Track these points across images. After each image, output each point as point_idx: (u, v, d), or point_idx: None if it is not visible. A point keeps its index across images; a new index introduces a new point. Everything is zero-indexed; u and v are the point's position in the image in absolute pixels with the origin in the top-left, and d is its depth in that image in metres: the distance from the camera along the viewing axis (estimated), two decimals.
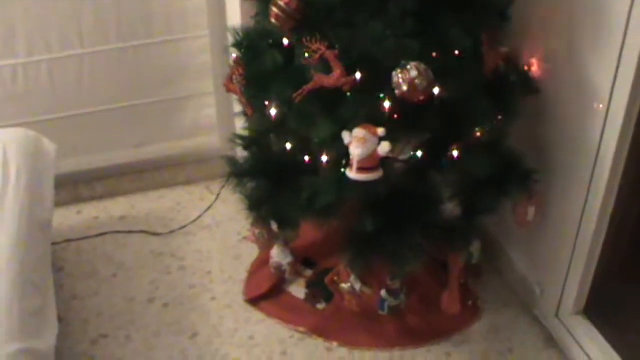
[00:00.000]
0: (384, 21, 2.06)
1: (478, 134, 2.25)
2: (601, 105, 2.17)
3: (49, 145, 2.65)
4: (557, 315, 2.59)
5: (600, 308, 2.51)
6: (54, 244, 2.78)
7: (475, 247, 2.63)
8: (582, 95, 2.25)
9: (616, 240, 2.37)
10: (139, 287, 2.84)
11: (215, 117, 3.31)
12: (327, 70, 2.07)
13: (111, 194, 3.28)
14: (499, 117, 2.31)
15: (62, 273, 2.89)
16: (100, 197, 3.28)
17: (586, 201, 2.33)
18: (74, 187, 3.25)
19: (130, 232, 3.09)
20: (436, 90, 2.10)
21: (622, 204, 2.29)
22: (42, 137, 2.66)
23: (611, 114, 2.16)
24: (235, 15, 2.80)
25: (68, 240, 3.03)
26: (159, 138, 3.32)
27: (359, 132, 2.06)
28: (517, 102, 2.33)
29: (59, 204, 2.89)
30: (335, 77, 2.05)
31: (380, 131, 2.05)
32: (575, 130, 2.31)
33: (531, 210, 2.46)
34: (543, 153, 2.47)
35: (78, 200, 3.25)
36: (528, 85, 2.39)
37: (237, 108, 2.56)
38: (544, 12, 2.37)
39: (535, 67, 2.40)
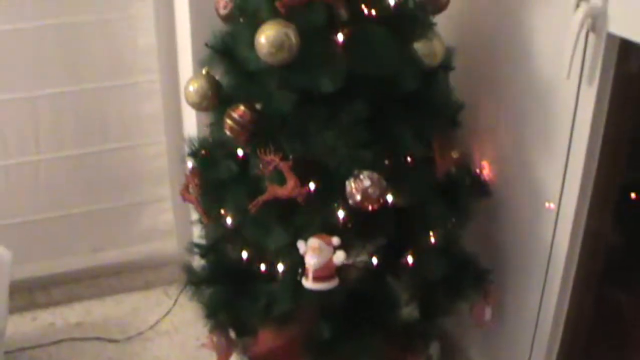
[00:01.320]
0: (336, 130, 2.08)
1: (432, 238, 2.27)
2: (552, 205, 2.21)
3: (4, 252, 2.62)
4: None
5: None
6: (6, 352, 2.72)
7: (435, 348, 2.63)
8: (533, 196, 2.30)
9: (573, 338, 2.39)
10: None
11: (172, 222, 3.31)
12: (282, 180, 2.09)
13: (67, 300, 3.24)
14: (453, 220, 2.34)
15: None
16: (57, 303, 3.23)
17: (541, 300, 2.35)
18: (29, 293, 3.20)
19: (86, 339, 3.04)
20: (389, 198, 2.12)
21: (577, 301, 2.32)
22: None
23: (562, 213, 2.20)
24: (191, 123, 2.83)
25: (22, 349, 2.96)
26: (116, 243, 3.30)
27: (313, 241, 2.08)
28: (470, 206, 2.37)
29: (13, 310, 2.84)
30: (289, 188, 2.07)
31: (335, 240, 2.07)
32: (528, 229, 2.35)
33: (488, 310, 2.48)
34: (497, 253, 2.50)
35: (33, 306, 3.20)
36: (480, 188, 2.43)
37: (194, 215, 2.57)
38: (492, 116, 2.43)
39: (486, 170, 2.45)
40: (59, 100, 2.96)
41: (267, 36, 1.97)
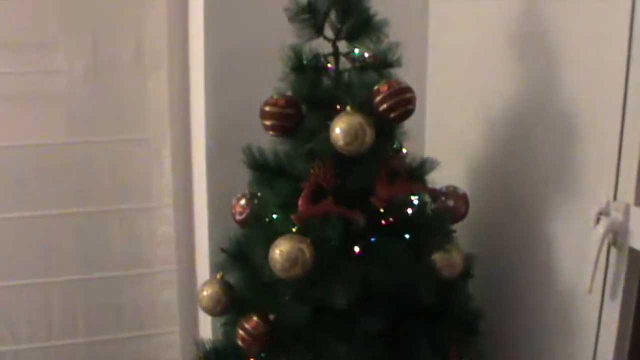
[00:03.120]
0: (350, 344, 2.02)
1: None
2: None
3: None
4: None
5: None
6: None
7: None
8: None
9: None
10: None
11: None
12: None
13: None
14: None
15: None
16: None
17: None
18: None
19: None
20: None
21: None
22: None
23: None
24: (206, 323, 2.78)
25: None
26: None
27: None
28: None
29: None
30: None
31: None
32: None
33: None
34: None
35: None
36: None
37: None
38: (512, 325, 2.36)
39: None
40: (72, 287, 2.93)
41: (281, 251, 1.95)
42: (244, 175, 2.22)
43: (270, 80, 2.08)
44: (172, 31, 2.77)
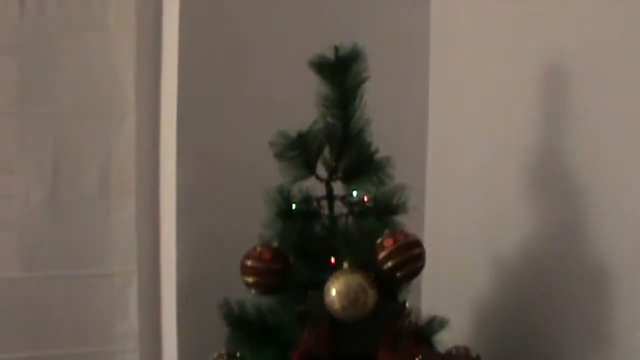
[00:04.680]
0: None
1: None
2: None
3: None
4: None
5: None
6: None
7: None
8: None
9: None
10: None
11: None
12: None
13: None
14: None
15: None
16: None
17: None
18: None
19: None
20: None
21: None
22: None
23: None
24: None
25: None
26: None
27: None
28: None
29: None
30: None
31: None
32: None
33: None
34: None
35: None
36: None
37: None
38: None
39: None
40: None
41: None
42: (221, 330, 1.99)
43: (252, 217, 1.89)
44: (141, 159, 2.54)
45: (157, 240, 2.60)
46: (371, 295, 1.72)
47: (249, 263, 1.84)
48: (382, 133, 1.93)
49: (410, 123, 2.47)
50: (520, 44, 2.11)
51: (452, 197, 2.42)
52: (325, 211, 1.91)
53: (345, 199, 1.90)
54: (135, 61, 2.50)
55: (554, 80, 2.01)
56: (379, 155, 1.89)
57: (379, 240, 1.77)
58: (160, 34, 2.48)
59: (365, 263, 1.76)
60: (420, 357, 1.79)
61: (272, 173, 1.88)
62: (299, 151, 1.88)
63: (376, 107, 1.92)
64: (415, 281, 1.83)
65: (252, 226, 1.89)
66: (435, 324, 1.93)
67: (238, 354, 1.97)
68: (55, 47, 2.47)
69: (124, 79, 2.52)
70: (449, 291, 2.37)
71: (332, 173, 1.90)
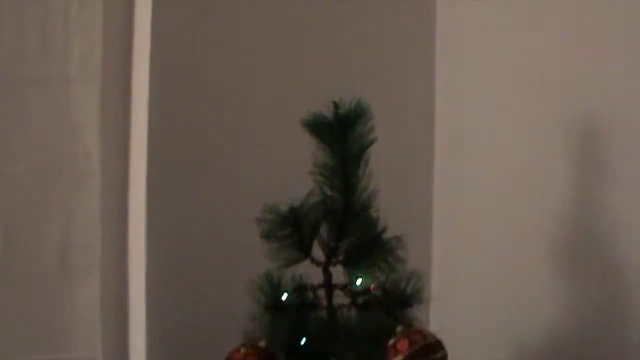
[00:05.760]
0: None
1: None
2: None
3: None
4: None
5: None
6: None
7: None
8: None
9: None
10: None
11: None
12: None
13: None
14: None
15: None
16: None
17: None
18: None
19: None
20: None
21: None
22: None
23: None
24: None
25: None
26: None
27: None
28: None
29: None
30: None
31: None
32: None
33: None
34: None
35: None
36: None
37: None
38: None
39: None
40: None
41: None
42: None
43: (232, 309, 1.73)
44: (107, 231, 2.39)
45: (125, 319, 2.43)
46: None
47: None
48: (388, 204, 1.72)
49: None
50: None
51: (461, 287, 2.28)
52: (323, 302, 1.73)
53: (347, 287, 1.72)
54: (100, 116, 2.36)
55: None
56: (387, 235, 1.69)
57: (390, 342, 1.58)
58: (129, 85, 2.32)
59: None
60: None
61: (259, 255, 1.70)
62: (291, 229, 1.70)
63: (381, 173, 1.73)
64: None
65: (234, 320, 1.69)
66: None
67: None
68: (12, 99, 2.34)
69: (88, 136, 2.38)
70: None
71: (332, 256, 1.71)
